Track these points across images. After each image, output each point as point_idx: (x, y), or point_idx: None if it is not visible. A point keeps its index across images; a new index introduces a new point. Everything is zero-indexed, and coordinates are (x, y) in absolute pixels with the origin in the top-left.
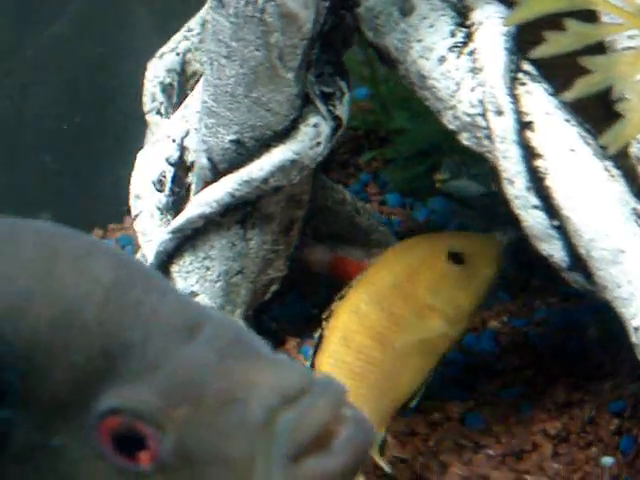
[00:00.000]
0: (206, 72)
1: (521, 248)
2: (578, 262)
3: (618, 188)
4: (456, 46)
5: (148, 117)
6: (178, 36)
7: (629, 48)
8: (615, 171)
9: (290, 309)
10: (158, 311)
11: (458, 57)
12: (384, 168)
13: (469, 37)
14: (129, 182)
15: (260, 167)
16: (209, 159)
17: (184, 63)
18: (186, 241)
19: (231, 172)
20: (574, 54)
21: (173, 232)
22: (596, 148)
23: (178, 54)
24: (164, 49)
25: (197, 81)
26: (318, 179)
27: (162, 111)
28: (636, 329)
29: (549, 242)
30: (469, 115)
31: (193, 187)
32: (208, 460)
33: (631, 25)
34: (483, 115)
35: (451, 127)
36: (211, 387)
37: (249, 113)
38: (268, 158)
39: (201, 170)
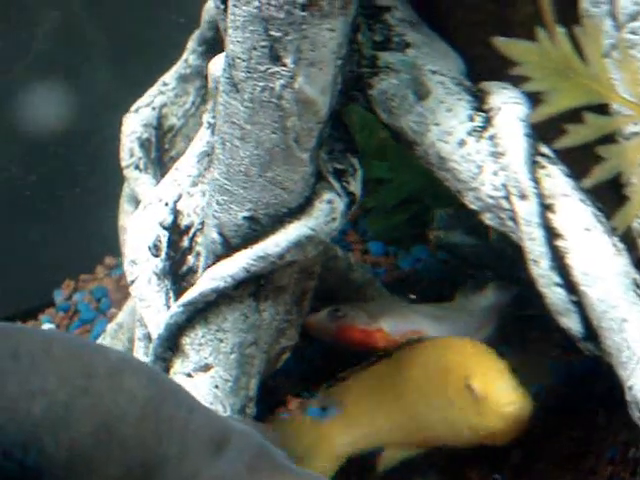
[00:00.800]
0: (217, 151)
1: (518, 303)
2: (591, 332)
3: (622, 262)
4: (476, 130)
5: (126, 172)
6: (153, 90)
7: (635, 134)
8: (621, 246)
9: (284, 365)
10: (189, 426)
11: (478, 141)
12: (363, 217)
13: (488, 121)
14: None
15: (276, 243)
16: (220, 234)
17: (160, 117)
18: (198, 313)
19: (244, 247)
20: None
21: (185, 305)
22: (606, 226)
23: (154, 108)
24: (139, 103)
25: (174, 136)
26: None
27: (141, 166)
28: (629, 388)
29: (568, 316)
30: (492, 197)
31: (202, 260)
32: None
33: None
34: (506, 198)
35: (473, 207)
36: None
37: (263, 191)
38: (284, 234)
39: (212, 244)
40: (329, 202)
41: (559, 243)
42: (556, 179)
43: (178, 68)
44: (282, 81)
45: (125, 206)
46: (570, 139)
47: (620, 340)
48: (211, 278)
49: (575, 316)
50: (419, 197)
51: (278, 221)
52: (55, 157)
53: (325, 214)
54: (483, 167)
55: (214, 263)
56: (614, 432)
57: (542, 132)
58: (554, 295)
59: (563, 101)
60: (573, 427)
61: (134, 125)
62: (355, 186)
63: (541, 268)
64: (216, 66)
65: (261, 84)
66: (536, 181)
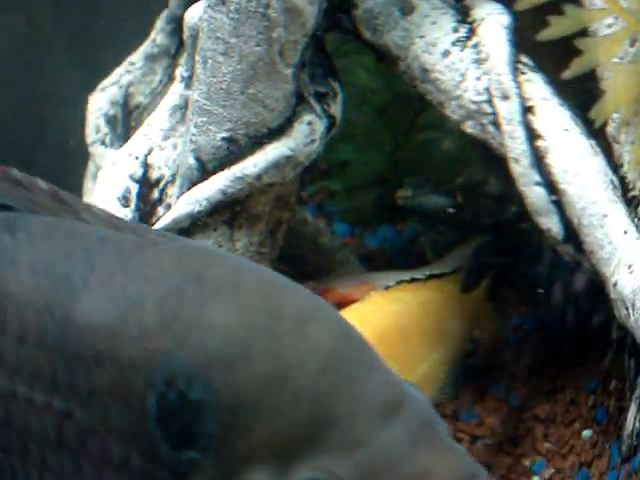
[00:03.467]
0: (199, 71)
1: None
2: (570, 233)
3: (600, 162)
4: (459, 40)
5: (92, 149)
6: (121, 69)
7: (609, 27)
8: (597, 148)
9: None
10: (367, 387)
11: (462, 50)
12: (329, 200)
13: (472, 32)
14: None
15: (254, 163)
16: (197, 158)
17: (127, 96)
18: None
19: (221, 171)
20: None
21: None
22: (583, 128)
23: (121, 87)
24: (106, 82)
25: (141, 114)
26: None
27: (107, 142)
28: (614, 285)
29: (548, 216)
30: (475, 103)
31: (176, 190)
32: None
33: (608, 12)
34: (489, 102)
35: (455, 117)
36: (401, 471)
37: (244, 110)
38: (262, 155)
39: (188, 171)
40: (309, 123)
41: (539, 143)
42: (536, 84)
43: (146, 47)
44: None
45: (89, 184)
46: (553, 30)
47: (601, 236)
48: (186, 203)
49: (555, 216)
50: (384, 178)
51: (257, 142)
52: (16, 141)
53: (304, 135)
54: (466, 74)
55: (189, 189)
56: (592, 366)
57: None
58: (534, 194)
59: None
60: (548, 366)
61: (100, 102)
62: (335, 109)
63: (522, 166)
64: (193, 14)
65: None
66: (518, 84)
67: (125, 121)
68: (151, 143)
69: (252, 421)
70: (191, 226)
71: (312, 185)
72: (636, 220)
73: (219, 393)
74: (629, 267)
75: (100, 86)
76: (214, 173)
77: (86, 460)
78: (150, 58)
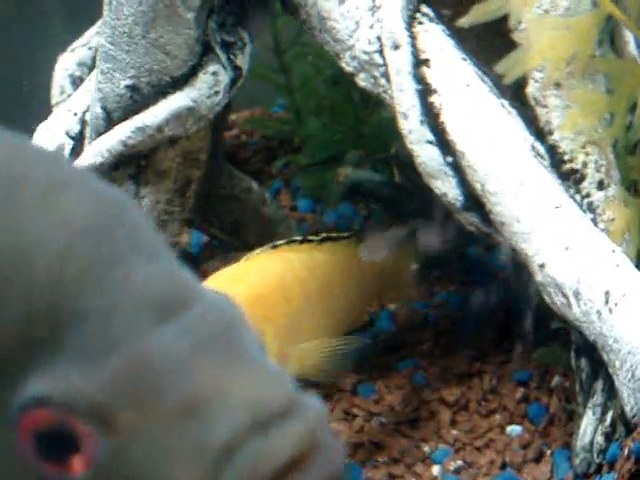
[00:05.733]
0: (105, 13)
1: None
2: (473, 201)
3: (515, 124)
4: None
5: (56, 109)
6: (91, 31)
7: None
8: (511, 109)
9: None
10: (134, 277)
11: None
12: (296, 175)
13: None
14: None
15: (155, 114)
16: (103, 107)
17: (96, 57)
18: None
19: (125, 121)
20: None
21: None
22: (492, 87)
23: (90, 48)
24: (76, 44)
25: None
26: (224, 166)
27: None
28: (541, 266)
29: (443, 180)
30: (366, 53)
31: (86, 141)
32: None
33: None
34: (380, 52)
35: (349, 69)
36: (172, 390)
37: (146, 56)
38: (164, 105)
39: (95, 120)
40: (213, 74)
41: (433, 99)
42: (434, 35)
43: None
44: None
45: None
46: None
47: (517, 207)
48: (90, 154)
49: (452, 180)
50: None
51: (160, 91)
52: None
53: (208, 86)
54: (360, 22)
55: (95, 140)
56: (524, 355)
57: None
58: (425, 154)
59: None
60: (467, 349)
61: (68, 63)
62: (242, 60)
63: (410, 122)
64: None
65: None
66: (412, 34)
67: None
68: (90, 100)
69: None
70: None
71: (281, 159)
72: (577, 197)
73: None
74: (566, 249)
75: (70, 47)
76: (119, 123)
77: None
78: None
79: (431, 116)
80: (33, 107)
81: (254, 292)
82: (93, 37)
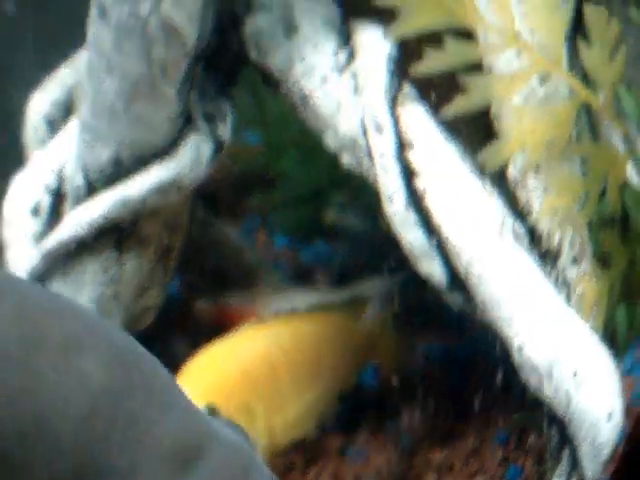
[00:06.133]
0: (85, 85)
1: (405, 291)
2: (458, 282)
3: (496, 206)
4: (338, 66)
5: (30, 151)
6: (65, 68)
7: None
8: (491, 189)
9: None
10: (154, 429)
11: (340, 77)
12: (272, 211)
13: (352, 57)
14: None
15: (138, 187)
16: (84, 177)
17: (70, 96)
18: (57, 264)
19: (106, 191)
20: (453, 74)
21: (44, 255)
22: (473, 168)
23: (64, 87)
24: (49, 82)
25: None
26: (201, 214)
27: (42, 142)
28: (519, 348)
29: (428, 261)
30: (349, 134)
31: (68, 208)
32: None
33: (506, 47)
34: (364, 134)
35: (332, 147)
36: None
37: (128, 129)
38: (146, 177)
39: (76, 189)
40: (196, 146)
41: (417, 182)
42: (417, 117)
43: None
44: (148, 6)
45: None
46: (429, 65)
47: (497, 291)
48: (70, 225)
49: (437, 261)
50: (322, 192)
51: (142, 163)
52: None
53: (190, 158)
54: (343, 103)
55: (74, 211)
56: (504, 415)
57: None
58: (411, 237)
59: (420, 20)
60: (450, 407)
61: (42, 103)
62: (224, 131)
63: (395, 206)
64: None
65: (127, 9)
66: (395, 117)
67: (66, 123)
68: (67, 154)
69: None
70: (77, 249)
71: (257, 195)
72: (554, 272)
73: None
74: (541, 331)
75: (42, 86)
76: (100, 193)
77: None
78: None
79: (415, 199)
80: (6, 148)
81: (242, 369)
82: (67, 74)
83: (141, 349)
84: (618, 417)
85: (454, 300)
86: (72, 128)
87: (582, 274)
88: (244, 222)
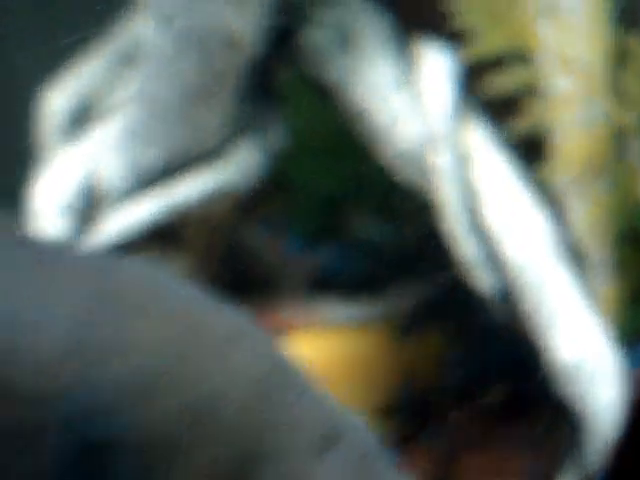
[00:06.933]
0: (140, 90)
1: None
2: (505, 295)
3: (544, 219)
4: (398, 82)
5: (48, 149)
6: (84, 66)
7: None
8: (542, 203)
9: None
10: (300, 416)
11: (399, 93)
12: (287, 217)
13: (412, 74)
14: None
15: (187, 192)
16: (130, 178)
17: (89, 94)
18: None
19: (153, 196)
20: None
21: None
22: (526, 184)
23: (84, 85)
24: (65, 80)
25: (102, 113)
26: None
27: (64, 140)
28: (553, 354)
29: (480, 274)
30: (408, 150)
31: (112, 211)
32: None
33: (559, 71)
34: (422, 150)
35: (388, 162)
36: None
37: (182, 136)
38: (195, 183)
39: (123, 192)
40: (246, 154)
41: (474, 198)
42: (477, 134)
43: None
44: (209, 16)
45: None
46: (491, 88)
47: (539, 303)
48: (115, 227)
49: (488, 274)
50: (342, 198)
51: (193, 170)
52: None
53: (241, 166)
54: (402, 118)
55: (118, 212)
56: (532, 419)
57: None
58: (466, 250)
59: (490, 42)
60: (484, 415)
61: (60, 100)
62: (274, 140)
63: (451, 221)
64: (143, 30)
65: (189, 18)
66: (454, 134)
67: (86, 121)
68: (99, 152)
69: (169, 462)
70: (119, 252)
71: (271, 201)
72: (583, 281)
73: (130, 433)
74: (569, 337)
75: (60, 82)
76: (146, 196)
77: None
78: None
79: (471, 214)
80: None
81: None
82: (87, 71)
83: (279, 347)
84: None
85: (500, 310)
86: (106, 128)
87: (605, 282)
88: (263, 226)
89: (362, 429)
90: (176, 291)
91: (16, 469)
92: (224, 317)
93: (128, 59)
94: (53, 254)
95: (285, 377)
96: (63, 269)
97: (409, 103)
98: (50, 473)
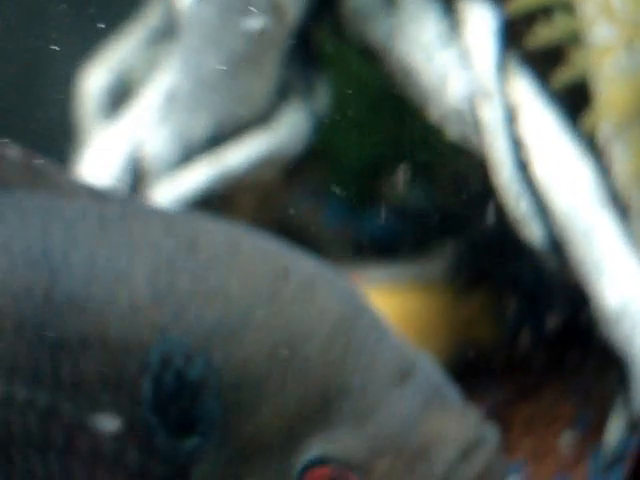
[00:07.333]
0: (185, 60)
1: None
2: (555, 245)
3: (589, 170)
4: (444, 39)
5: (88, 125)
6: (119, 44)
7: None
8: (587, 154)
9: None
10: (377, 354)
11: (445, 50)
12: (325, 186)
13: (457, 31)
14: None
15: (235, 159)
16: (180, 150)
17: (127, 70)
18: None
19: (204, 163)
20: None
21: None
22: (571, 133)
23: (121, 61)
24: (106, 55)
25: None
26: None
27: (103, 121)
28: (599, 299)
29: (530, 226)
30: (456, 106)
31: (160, 181)
32: None
33: (599, 18)
34: (470, 106)
35: (436, 120)
36: (412, 438)
37: (228, 103)
38: (244, 150)
39: (171, 161)
40: (294, 119)
41: (522, 150)
42: (523, 87)
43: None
44: None
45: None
46: (539, 38)
47: (587, 248)
48: (164, 195)
49: (538, 226)
50: (379, 166)
51: (240, 137)
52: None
53: (288, 132)
54: (449, 75)
55: (171, 181)
56: (577, 370)
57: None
58: (516, 204)
59: None
60: (533, 366)
61: (100, 76)
62: (320, 106)
63: (503, 177)
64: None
65: None
66: (502, 88)
67: (124, 96)
68: (144, 124)
69: (258, 398)
70: None
71: (310, 171)
72: (626, 228)
73: (221, 370)
74: (615, 282)
75: (100, 59)
76: (196, 166)
77: (75, 460)
78: (153, 31)
79: (521, 168)
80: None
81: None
82: (122, 49)
83: (357, 291)
84: None
85: (550, 262)
86: (147, 102)
87: None
88: (305, 193)
89: (433, 367)
90: (249, 238)
91: (117, 412)
92: (300, 261)
93: (163, 34)
94: (136, 209)
95: (364, 318)
96: (139, 226)
97: (455, 60)
98: (146, 412)
